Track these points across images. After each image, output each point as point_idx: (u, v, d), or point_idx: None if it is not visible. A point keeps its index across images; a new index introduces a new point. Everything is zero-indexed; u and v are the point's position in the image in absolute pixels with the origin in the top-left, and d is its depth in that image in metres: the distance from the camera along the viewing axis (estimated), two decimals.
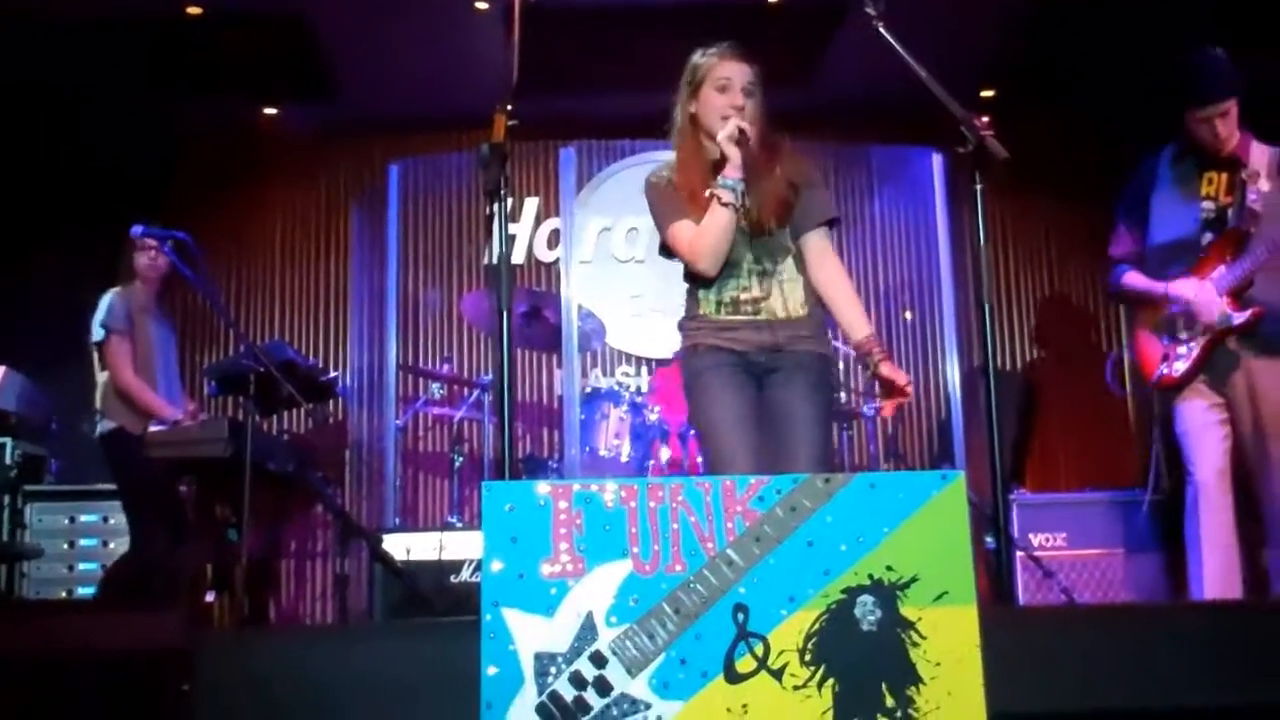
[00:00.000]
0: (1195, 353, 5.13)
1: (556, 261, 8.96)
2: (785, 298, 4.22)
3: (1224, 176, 5.23)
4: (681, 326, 4.37)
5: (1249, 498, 5.15)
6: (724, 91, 4.21)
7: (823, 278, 4.30)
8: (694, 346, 4.26)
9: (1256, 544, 5.20)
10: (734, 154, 4.07)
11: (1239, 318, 5.05)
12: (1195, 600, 5.00)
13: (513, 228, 9.08)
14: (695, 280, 4.30)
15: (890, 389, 4.19)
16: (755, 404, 4.19)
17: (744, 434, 4.13)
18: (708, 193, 4.14)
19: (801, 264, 4.29)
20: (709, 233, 4.13)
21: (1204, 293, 5.10)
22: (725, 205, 4.07)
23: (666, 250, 4.36)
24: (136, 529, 6.44)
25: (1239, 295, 5.07)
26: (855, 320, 4.29)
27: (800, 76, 8.51)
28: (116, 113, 8.60)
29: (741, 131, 4.07)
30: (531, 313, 7.39)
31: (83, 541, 7.37)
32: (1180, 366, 5.18)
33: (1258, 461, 5.06)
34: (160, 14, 7.43)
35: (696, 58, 4.31)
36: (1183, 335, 5.18)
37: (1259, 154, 5.20)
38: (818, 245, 4.31)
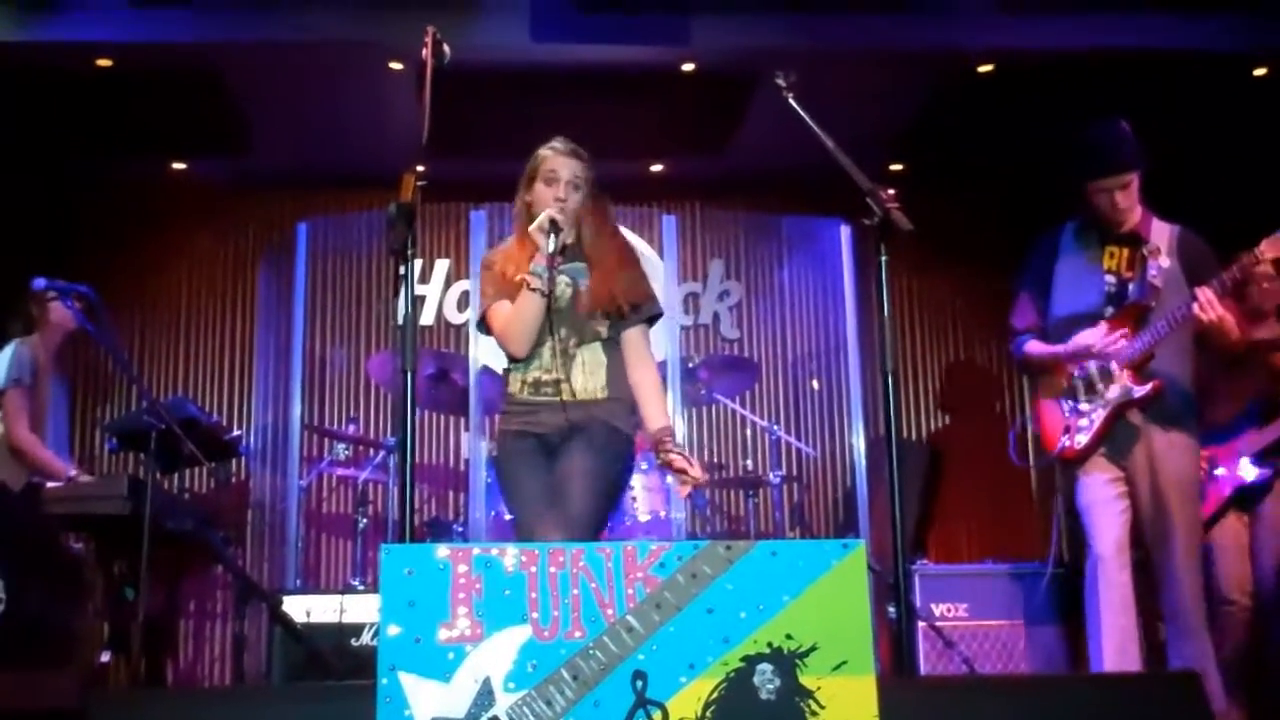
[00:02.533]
0: (1096, 425, 5.16)
1: (466, 324, 8.93)
2: (584, 379, 4.41)
3: (1125, 251, 5.28)
4: (501, 406, 4.61)
5: (1146, 571, 5.19)
6: (550, 185, 4.44)
7: (633, 375, 4.51)
8: (503, 432, 4.53)
9: (1153, 616, 5.24)
10: (542, 242, 4.27)
11: (1139, 391, 5.10)
12: (1094, 672, 5.02)
13: (423, 289, 9.06)
14: (509, 360, 4.52)
15: (683, 475, 4.38)
16: (550, 484, 4.38)
17: (543, 511, 4.30)
18: (518, 278, 4.37)
19: (612, 349, 4.48)
20: (518, 317, 4.37)
21: (1106, 339, 5.15)
22: (534, 290, 4.29)
23: (484, 326, 4.57)
24: (11, 586, 6.32)
25: (1139, 369, 5.12)
26: (654, 414, 4.48)
27: (713, 145, 8.58)
28: (19, 162, 8.50)
29: (553, 222, 4.28)
30: (439, 375, 7.36)
31: None
32: (1082, 439, 5.19)
33: (1157, 534, 5.08)
34: (69, 65, 7.36)
35: (538, 151, 4.56)
36: (1084, 405, 5.20)
37: (1159, 231, 5.27)
38: (634, 343, 4.53)
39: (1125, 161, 5.21)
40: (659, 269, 7.72)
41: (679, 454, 4.37)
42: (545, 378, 4.39)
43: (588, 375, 4.39)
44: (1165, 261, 5.19)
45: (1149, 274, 5.19)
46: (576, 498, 4.24)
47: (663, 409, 4.52)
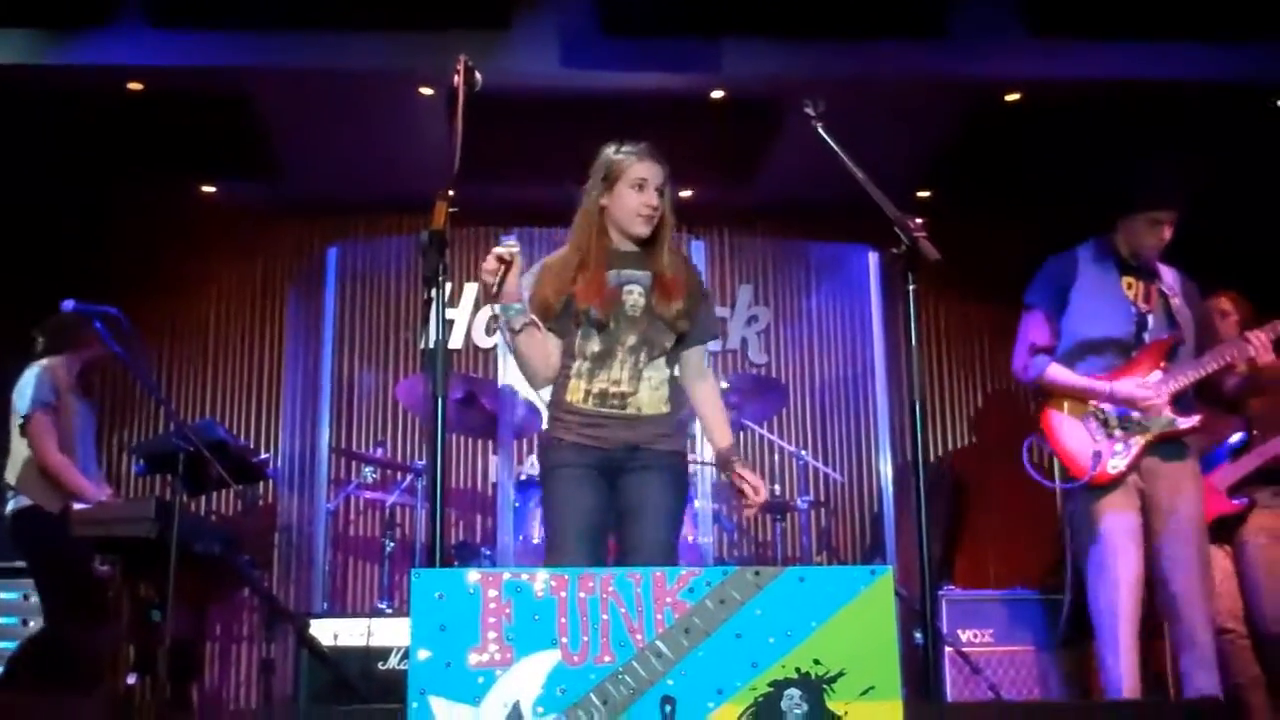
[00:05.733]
0: (1135, 451, 5.13)
1: (494, 348, 8.96)
2: (651, 395, 4.34)
3: (1141, 284, 5.33)
4: (550, 409, 4.50)
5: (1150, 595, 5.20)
6: (640, 190, 4.36)
7: (698, 394, 4.50)
8: (557, 440, 4.37)
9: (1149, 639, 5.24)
10: (490, 282, 4.16)
11: (1185, 422, 5.11)
12: (1116, 699, 5.01)
13: (451, 313, 9.07)
14: (567, 365, 4.42)
15: (743, 494, 4.34)
16: (606, 503, 4.31)
17: (586, 536, 4.24)
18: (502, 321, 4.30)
19: (672, 364, 4.44)
20: (520, 359, 4.36)
21: (1150, 394, 5.14)
22: (515, 332, 4.26)
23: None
24: (50, 609, 6.35)
25: (1176, 400, 5.13)
26: (718, 433, 4.49)
27: (741, 172, 8.60)
28: (49, 185, 8.57)
29: (499, 258, 4.16)
30: (467, 399, 7.36)
31: (1, 620, 7.24)
32: (1119, 464, 5.15)
33: (1176, 562, 5.10)
34: (100, 89, 7.43)
35: (612, 153, 4.46)
36: (1118, 432, 5.18)
37: (1166, 272, 5.38)
38: (697, 362, 4.52)
39: (1181, 196, 5.24)
40: None
41: (747, 474, 4.33)
42: (613, 389, 4.30)
43: (654, 390, 4.34)
44: (1176, 301, 5.25)
45: (1173, 310, 5.24)
46: (650, 543, 4.22)
47: (726, 428, 4.49)
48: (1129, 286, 5.34)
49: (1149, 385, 5.16)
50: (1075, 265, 5.43)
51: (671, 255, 4.44)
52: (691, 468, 6.42)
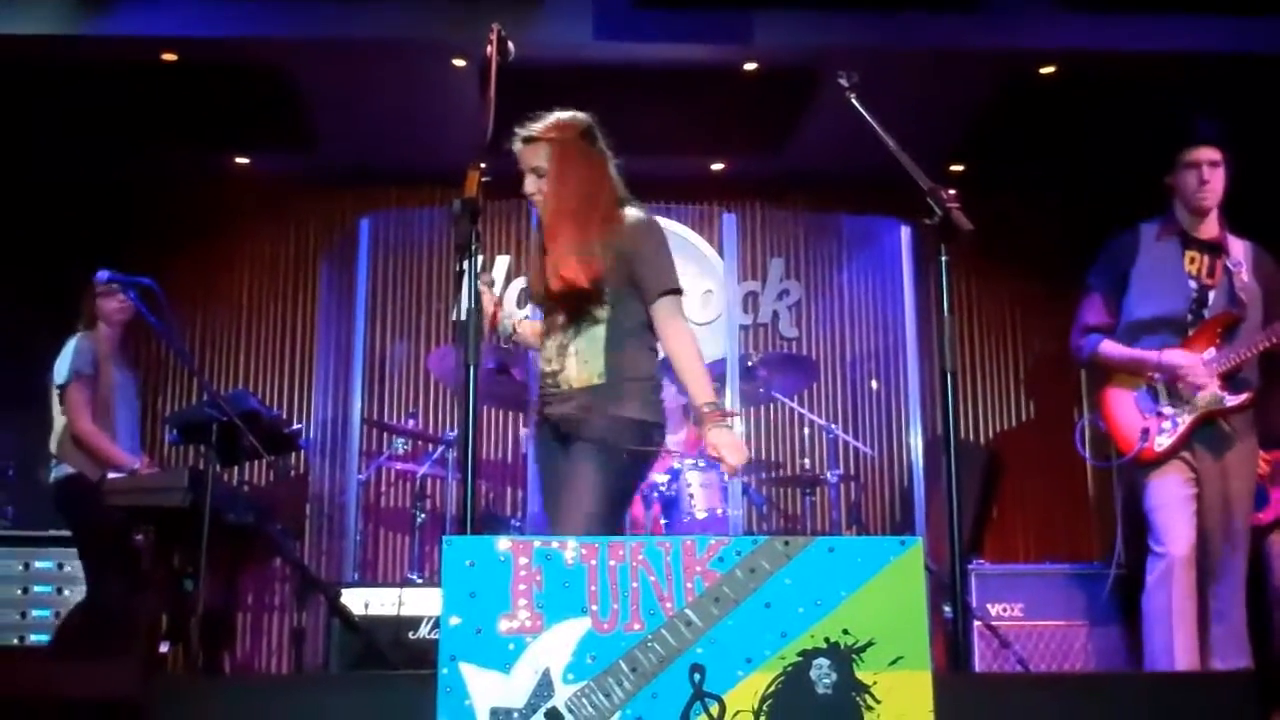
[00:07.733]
0: (1182, 429, 5.12)
1: (526, 318, 8.96)
2: (579, 368, 4.24)
3: (1205, 258, 5.27)
4: None
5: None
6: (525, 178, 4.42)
7: (665, 348, 4.32)
8: (534, 417, 4.51)
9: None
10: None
11: (1233, 400, 5.08)
12: (1145, 670, 5.02)
13: None
14: None
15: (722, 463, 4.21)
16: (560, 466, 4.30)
17: (550, 507, 4.34)
18: None
19: (617, 331, 4.26)
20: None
21: (1196, 364, 5.12)
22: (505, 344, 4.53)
23: None
24: (92, 577, 6.39)
25: (1229, 377, 5.11)
26: (694, 387, 4.25)
27: (774, 144, 8.58)
28: (83, 154, 8.60)
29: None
30: (499, 369, 7.38)
31: (36, 588, 7.30)
32: (1164, 441, 5.15)
33: (1223, 537, 5.11)
34: (134, 59, 7.45)
35: None
36: (1166, 409, 5.17)
37: (1236, 246, 5.28)
38: (660, 316, 4.29)
39: (1217, 135, 5.19)
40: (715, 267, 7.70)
41: (716, 440, 4.14)
42: (546, 369, 4.30)
43: (582, 364, 4.22)
44: (1245, 277, 5.19)
45: (1236, 286, 5.18)
46: (574, 509, 4.10)
47: (700, 383, 4.23)
48: (1191, 261, 5.28)
49: (1194, 357, 5.13)
50: (1137, 243, 5.39)
51: (555, 218, 4.31)
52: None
